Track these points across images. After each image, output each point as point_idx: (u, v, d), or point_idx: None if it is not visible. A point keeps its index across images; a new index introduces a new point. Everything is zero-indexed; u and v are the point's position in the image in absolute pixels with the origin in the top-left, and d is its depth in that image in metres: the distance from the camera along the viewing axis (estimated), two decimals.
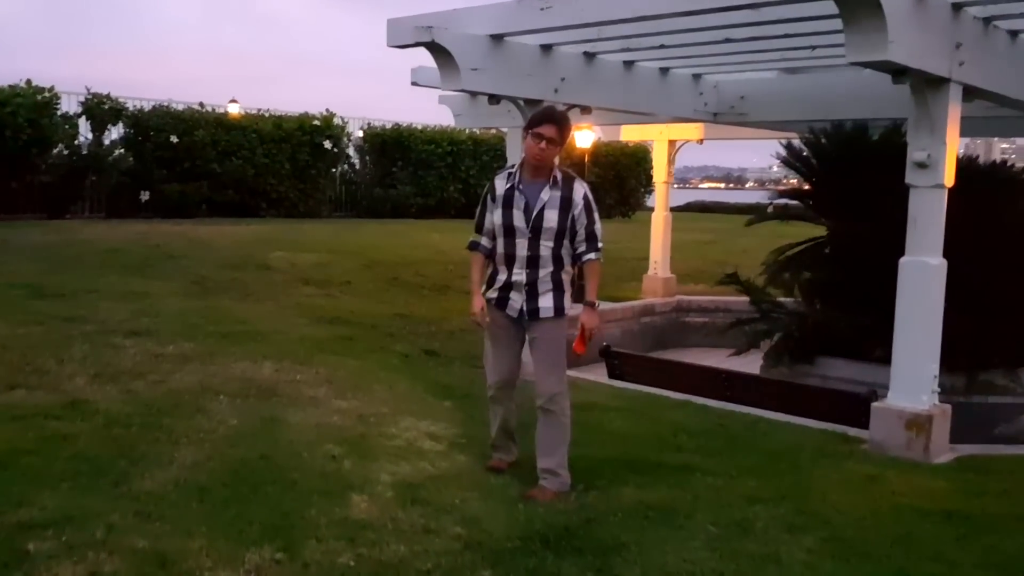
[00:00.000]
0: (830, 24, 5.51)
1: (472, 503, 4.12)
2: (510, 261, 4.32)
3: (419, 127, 18.12)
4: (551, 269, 4.30)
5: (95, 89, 14.67)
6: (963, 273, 6.11)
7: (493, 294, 4.40)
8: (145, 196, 14.82)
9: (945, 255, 5.53)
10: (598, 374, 8.01)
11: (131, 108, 14.98)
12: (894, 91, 7.80)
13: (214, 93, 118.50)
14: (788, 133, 9.56)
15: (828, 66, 8.07)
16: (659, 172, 12.21)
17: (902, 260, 5.40)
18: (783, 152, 8.93)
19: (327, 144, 16.61)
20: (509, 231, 4.29)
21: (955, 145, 5.24)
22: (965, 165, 8.68)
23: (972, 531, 4.02)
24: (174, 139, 14.90)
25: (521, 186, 4.28)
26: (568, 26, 6.14)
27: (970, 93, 5.36)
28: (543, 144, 4.20)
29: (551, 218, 4.24)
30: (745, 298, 11.15)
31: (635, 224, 19.12)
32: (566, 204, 4.25)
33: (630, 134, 12.67)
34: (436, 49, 6.26)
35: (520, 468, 4.57)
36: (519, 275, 4.31)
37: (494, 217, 4.33)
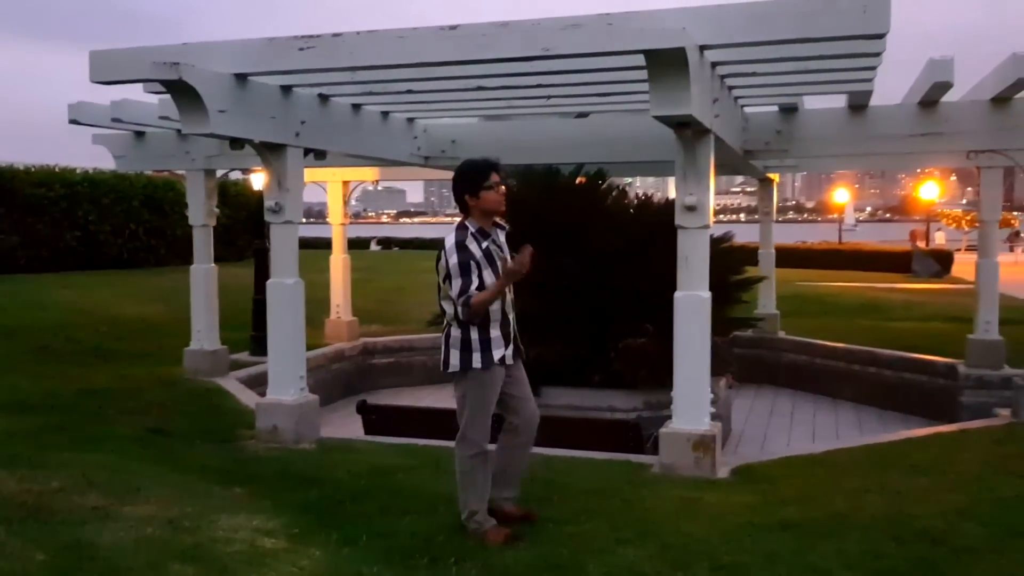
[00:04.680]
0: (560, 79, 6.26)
1: None
2: (505, 310, 4.40)
3: (23, 167, 15.56)
4: None
5: None
6: (657, 302, 6.73)
7: (500, 352, 4.34)
8: None
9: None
10: (346, 430, 7.58)
11: None
12: (589, 137, 8.54)
13: None
14: None
15: (531, 114, 8.46)
16: (335, 214, 11.86)
17: (677, 295, 5.81)
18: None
19: None
20: None
21: (713, 189, 5.80)
22: (642, 204, 9.74)
23: (815, 539, 4.47)
24: None
25: (491, 239, 4.37)
26: (330, 68, 5.75)
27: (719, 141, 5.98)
28: (503, 191, 4.41)
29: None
30: (428, 335, 11.38)
31: None
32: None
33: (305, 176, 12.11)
34: (180, 88, 5.50)
35: (384, 549, 4.18)
36: (512, 318, 4.46)
37: (484, 276, 4.27)
